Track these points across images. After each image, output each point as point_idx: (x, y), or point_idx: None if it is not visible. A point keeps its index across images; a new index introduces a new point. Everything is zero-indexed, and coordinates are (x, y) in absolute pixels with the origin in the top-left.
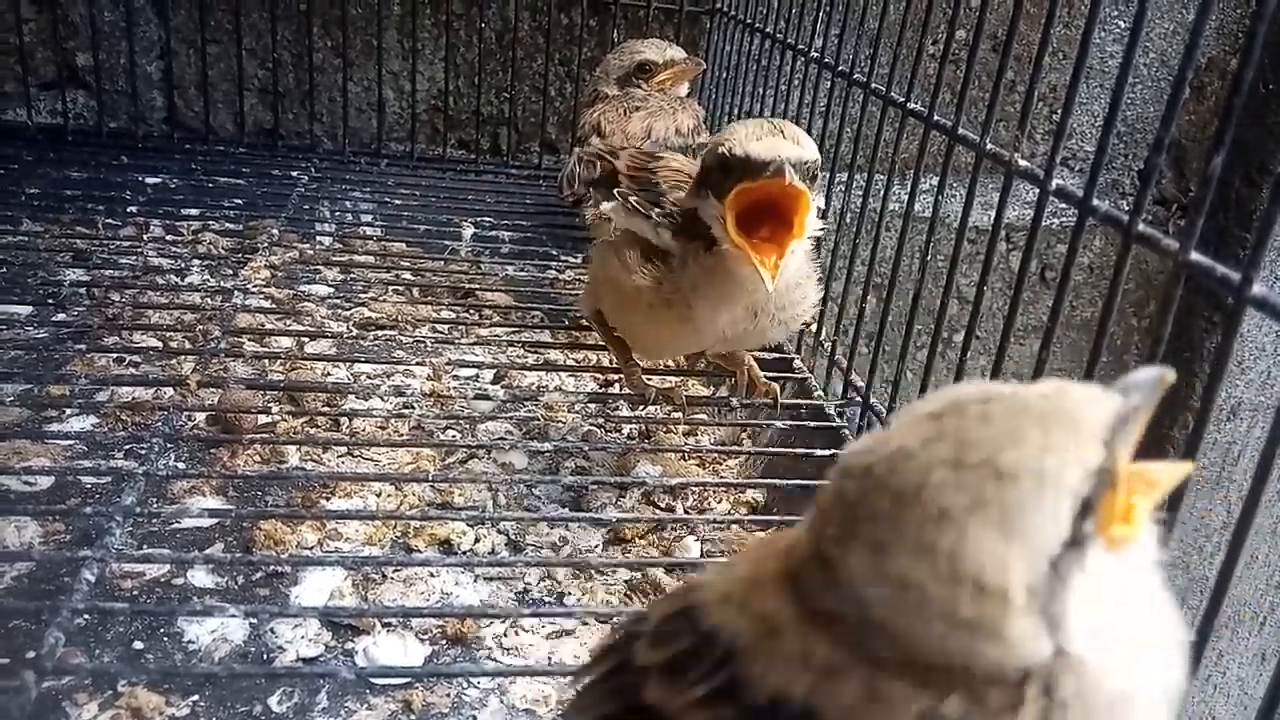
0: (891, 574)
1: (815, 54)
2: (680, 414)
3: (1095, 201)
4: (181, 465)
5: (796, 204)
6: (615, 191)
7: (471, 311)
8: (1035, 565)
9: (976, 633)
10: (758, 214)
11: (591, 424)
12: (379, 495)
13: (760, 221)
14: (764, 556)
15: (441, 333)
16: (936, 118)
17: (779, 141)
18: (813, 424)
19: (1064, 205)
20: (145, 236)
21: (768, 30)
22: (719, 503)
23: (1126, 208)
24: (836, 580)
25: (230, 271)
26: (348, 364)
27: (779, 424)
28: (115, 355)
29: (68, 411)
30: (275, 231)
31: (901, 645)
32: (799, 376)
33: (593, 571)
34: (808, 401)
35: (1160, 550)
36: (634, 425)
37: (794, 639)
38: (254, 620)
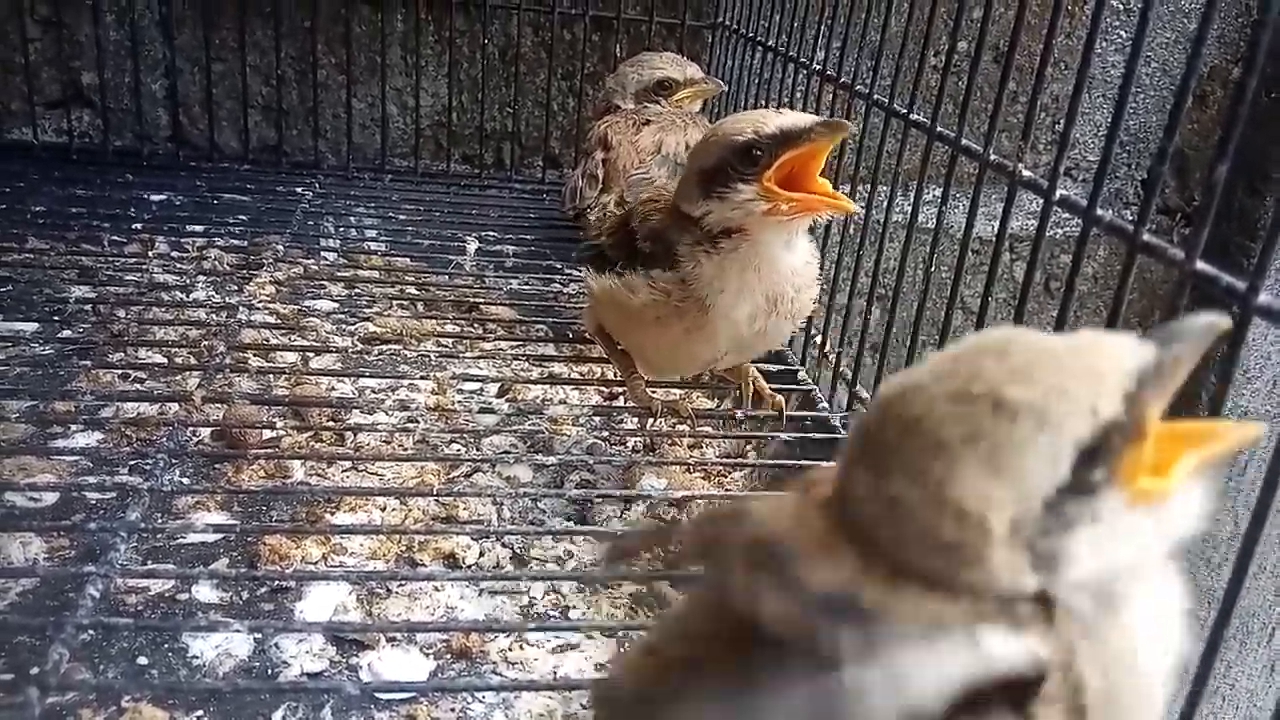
0: (885, 495)
1: (817, 66)
2: (686, 426)
3: (1099, 211)
4: (186, 480)
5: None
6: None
7: (476, 326)
8: (1023, 503)
9: (954, 556)
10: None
11: (596, 437)
12: (383, 510)
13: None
14: (804, 486)
15: (446, 347)
16: (939, 129)
17: (792, 114)
18: (818, 436)
19: (1068, 215)
20: (150, 253)
21: (769, 43)
22: None
23: (1130, 217)
24: (847, 498)
25: (235, 287)
26: (352, 379)
27: (784, 436)
28: (120, 371)
29: (73, 427)
30: (280, 248)
31: (900, 560)
32: (804, 388)
33: (598, 586)
34: (813, 413)
35: (1207, 508)
36: (639, 438)
37: (834, 547)
38: (258, 635)
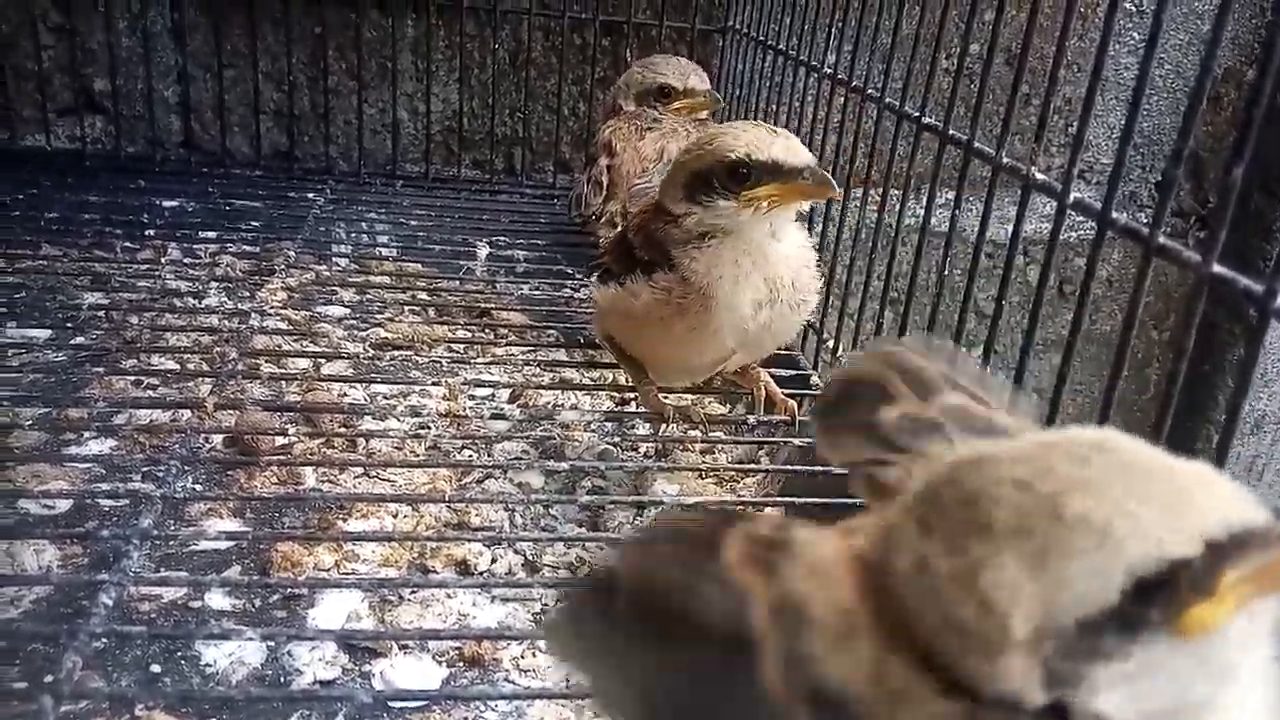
0: (922, 555)
1: (829, 70)
2: (698, 432)
3: (1114, 214)
4: (199, 487)
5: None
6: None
7: (487, 331)
8: (1053, 616)
9: (968, 642)
10: None
11: (608, 443)
12: (395, 516)
13: None
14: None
15: (457, 352)
16: (952, 132)
17: (793, 143)
18: None
19: (1082, 218)
20: (163, 260)
21: (780, 47)
22: None
23: (1145, 220)
24: (887, 554)
25: (247, 294)
26: (364, 385)
27: (797, 441)
28: (133, 378)
29: (86, 434)
30: (292, 254)
31: (920, 638)
32: (816, 393)
33: None
34: None
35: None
36: (651, 444)
37: (855, 624)
38: (271, 643)
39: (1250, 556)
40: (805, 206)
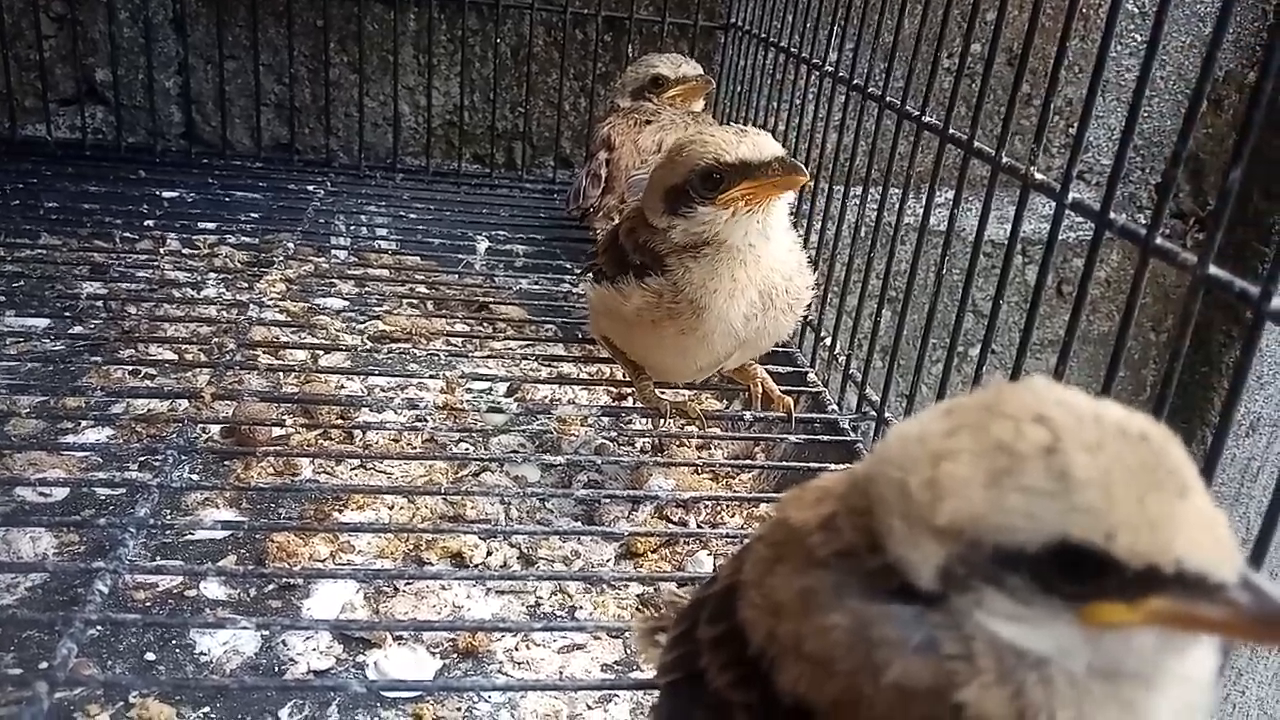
0: (926, 431)
1: (830, 68)
2: (695, 427)
3: (1112, 215)
4: (195, 477)
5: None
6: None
7: (485, 325)
8: (978, 527)
9: (902, 506)
10: None
11: (604, 438)
12: (391, 508)
13: None
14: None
15: (455, 346)
16: (952, 131)
17: (759, 139)
18: (827, 438)
19: (1081, 219)
20: (162, 250)
21: (782, 44)
22: (732, 517)
23: (1144, 221)
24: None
25: (246, 285)
26: (362, 377)
27: (793, 438)
28: (131, 368)
29: (83, 423)
30: (291, 245)
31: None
32: (813, 390)
33: (604, 586)
34: (822, 415)
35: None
36: (647, 439)
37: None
38: (266, 632)
39: (1185, 600)
40: (789, 198)
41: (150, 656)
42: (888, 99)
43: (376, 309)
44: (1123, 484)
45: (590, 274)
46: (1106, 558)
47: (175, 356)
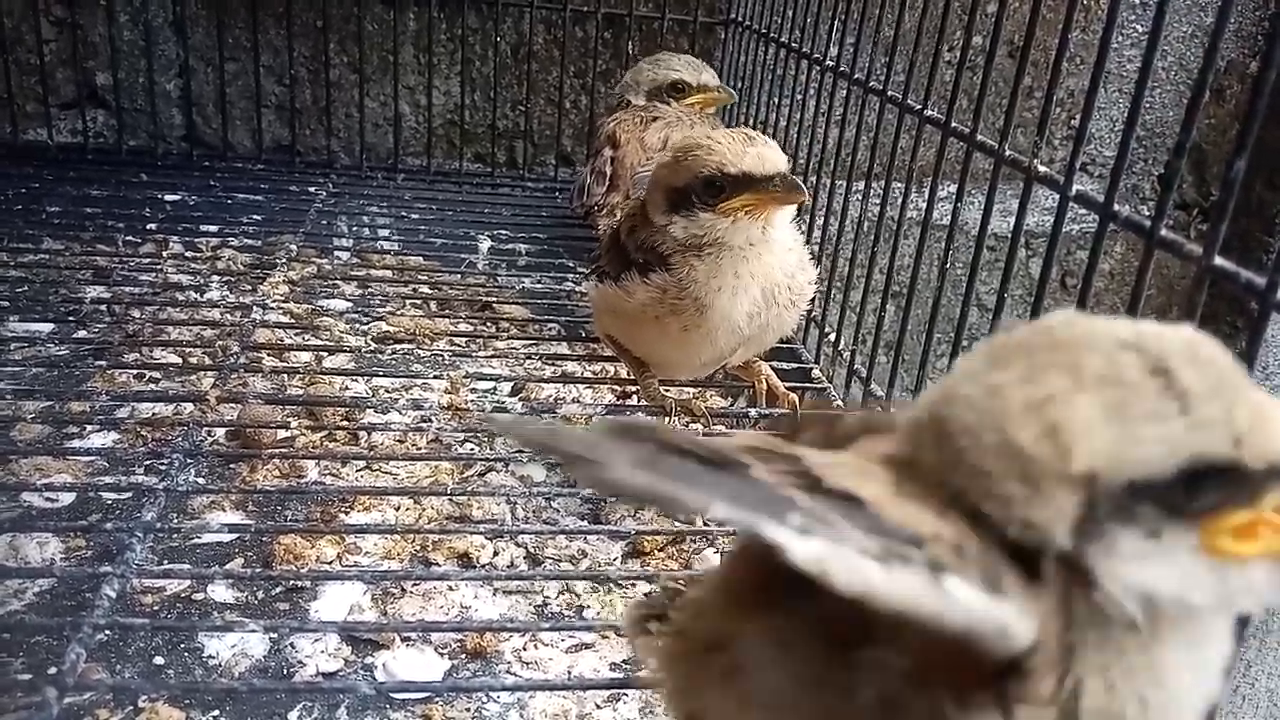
0: (994, 382)
1: (830, 62)
2: (700, 425)
3: (1116, 207)
4: (201, 480)
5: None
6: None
7: (489, 324)
8: (1114, 464)
9: (1015, 467)
10: None
11: None
12: (397, 509)
13: None
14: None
15: (459, 346)
16: (954, 124)
17: (765, 151)
18: None
19: (1084, 211)
20: (165, 253)
21: (782, 39)
22: None
23: (1147, 213)
24: (943, 398)
25: (249, 287)
26: (366, 378)
27: None
28: (135, 371)
29: (88, 428)
30: (293, 247)
31: (964, 473)
32: (818, 386)
33: (612, 585)
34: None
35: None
36: None
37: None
38: (274, 635)
39: None
40: (789, 212)
41: (159, 660)
42: (889, 93)
43: (380, 310)
44: (1229, 390)
45: (594, 275)
46: (1235, 466)
47: (179, 360)
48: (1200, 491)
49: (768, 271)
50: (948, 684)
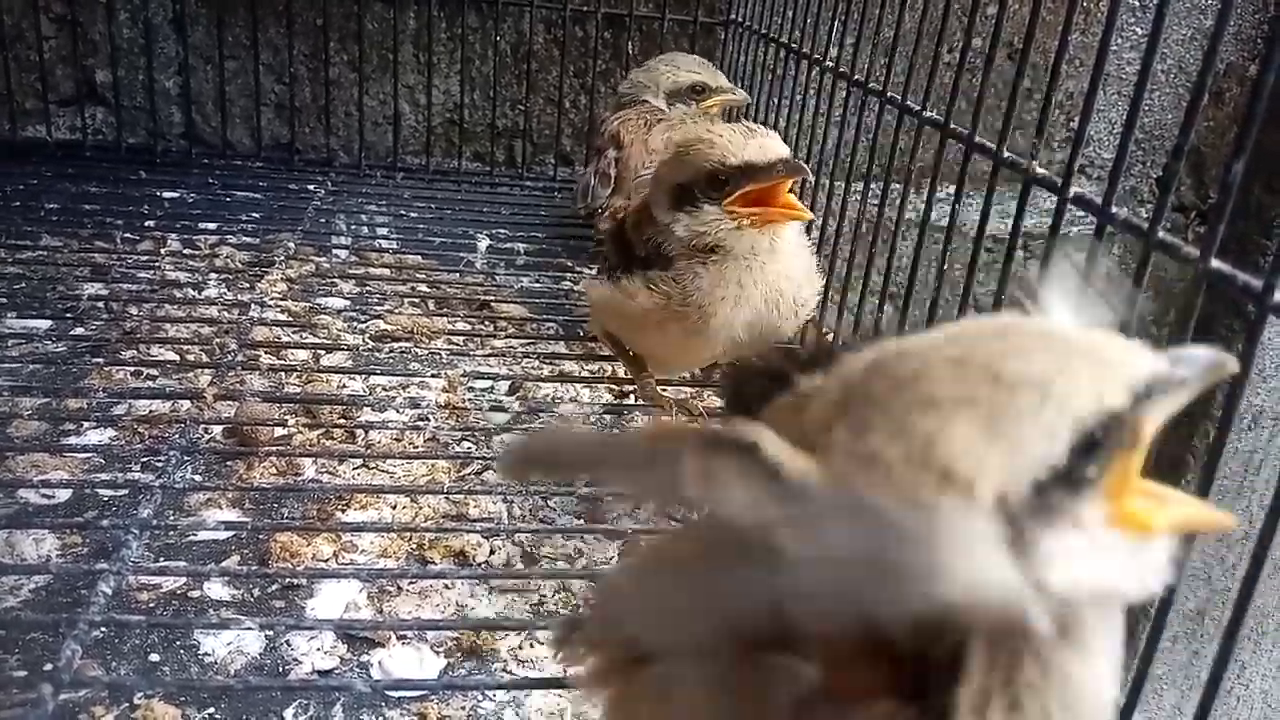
0: (865, 451)
1: (830, 63)
2: (698, 424)
3: (1114, 209)
4: (198, 478)
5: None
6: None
7: (487, 323)
8: (1014, 476)
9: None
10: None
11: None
12: (394, 507)
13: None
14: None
15: (457, 345)
16: (953, 126)
17: (766, 141)
18: None
19: (1082, 213)
20: (163, 251)
21: (782, 40)
22: None
23: (1145, 215)
24: (821, 453)
25: (247, 285)
26: (363, 376)
27: None
28: (133, 369)
29: (85, 425)
30: (291, 245)
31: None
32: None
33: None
34: None
35: (1170, 573)
36: None
37: None
38: (270, 633)
39: (1167, 400)
40: (798, 227)
41: (154, 657)
42: (888, 94)
43: (378, 308)
44: (1053, 350)
45: (596, 267)
46: (1111, 415)
47: (177, 357)
48: (1092, 456)
49: (772, 280)
50: (856, 697)
